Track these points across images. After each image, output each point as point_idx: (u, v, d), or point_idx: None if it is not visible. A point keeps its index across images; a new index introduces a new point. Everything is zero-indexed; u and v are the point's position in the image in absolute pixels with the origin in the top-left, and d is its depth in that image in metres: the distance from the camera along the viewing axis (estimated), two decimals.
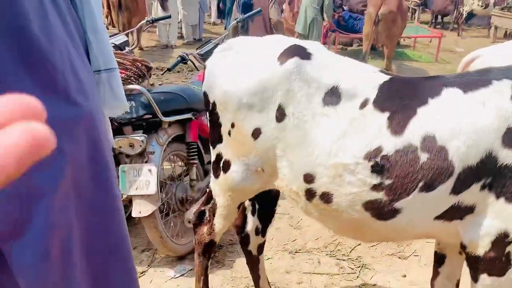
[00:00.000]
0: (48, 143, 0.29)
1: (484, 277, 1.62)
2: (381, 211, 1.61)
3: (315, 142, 1.66)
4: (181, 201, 3.00)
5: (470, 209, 1.56)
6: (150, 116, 2.75)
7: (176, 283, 2.78)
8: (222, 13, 12.88)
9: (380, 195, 1.58)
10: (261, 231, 2.33)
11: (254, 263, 2.41)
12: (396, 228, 1.65)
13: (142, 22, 3.98)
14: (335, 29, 9.71)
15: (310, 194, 1.73)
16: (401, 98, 1.63)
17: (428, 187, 1.53)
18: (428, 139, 1.53)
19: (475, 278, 1.66)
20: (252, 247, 2.36)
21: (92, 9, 1.12)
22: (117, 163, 2.80)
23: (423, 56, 10.46)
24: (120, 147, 2.61)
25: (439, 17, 15.44)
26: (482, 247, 1.58)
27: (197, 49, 3.62)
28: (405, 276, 2.88)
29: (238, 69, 1.85)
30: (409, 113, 1.58)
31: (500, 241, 1.54)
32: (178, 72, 7.86)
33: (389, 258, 3.09)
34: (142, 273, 2.85)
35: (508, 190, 1.48)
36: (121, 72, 2.65)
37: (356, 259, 3.06)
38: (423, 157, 1.52)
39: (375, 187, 1.58)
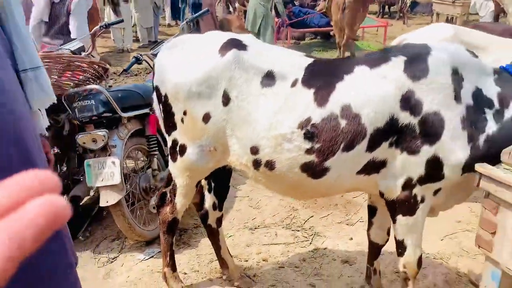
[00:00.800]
0: (65, 212, 0.32)
1: (400, 218, 1.99)
2: (314, 171, 1.94)
3: (257, 119, 1.97)
4: (145, 190, 3.25)
5: (383, 163, 1.92)
6: (110, 114, 2.97)
7: (146, 264, 3.03)
8: (177, 14, 13.04)
9: (312, 157, 1.91)
10: (218, 206, 2.61)
11: (214, 236, 2.70)
12: (327, 185, 1.99)
13: (96, 28, 4.17)
14: (287, 24, 10.07)
15: (256, 164, 2.04)
16: (323, 76, 1.96)
17: (348, 147, 1.87)
18: (345, 108, 1.86)
19: (394, 220, 2.03)
20: (211, 221, 2.64)
21: (14, 17, 1.36)
22: (83, 158, 3.02)
23: (371, 45, 10.97)
24: (84, 143, 2.83)
25: (386, 7, 16.13)
26: (395, 193, 1.94)
27: (150, 49, 3.86)
28: (351, 239, 3.24)
29: (185, 63, 2.12)
30: (330, 88, 1.92)
31: (407, 185, 1.90)
32: (136, 75, 8.01)
33: (338, 226, 3.44)
34: (113, 258, 3.09)
35: (408, 145, 1.84)
36: (79, 74, 2.89)
37: (309, 228, 3.39)
38: (343, 123, 1.86)
39: (308, 151, 1.91)
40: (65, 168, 3.39)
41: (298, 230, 3.37)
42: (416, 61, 1.84)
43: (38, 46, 4.14)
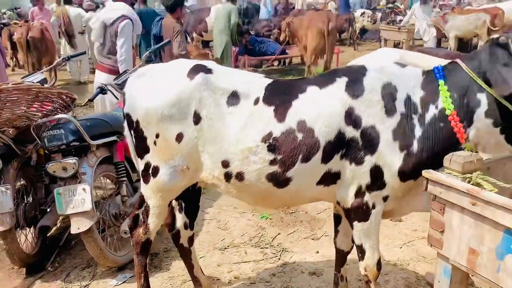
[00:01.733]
0: None
1: (356, 224, 2.19)
2: (278, 180, 2.13)
3: (226, 135, 2.16)
4: (115, 217, 3.30)
5: (337, 175, 2.13)
6: (79, 142, 3.03)
7: None
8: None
9: (276, 168, 2.11)
10: (189, 225, 2.71)
11: (187, 255, 2.79)
12: (291, 194, 2.18)
13: (58, 60, 4.24)
14: (243, 52, 10.41)
15: (228, 176, 2.21)
16: (281, 95, 2.18)
17: (306, 158, 2.08)
18: (301, 123, 2.09)
19: (351, 226, 2.24)
20: (183, 240, 2.73)
21: None
22: (49, 188, 3.05)
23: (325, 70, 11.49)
24: (54, 171, 2.87)
25: (337, 34, 16.91)
26: (349, 201, 2.16)
27: (114, 79, 3.96)
28: (317, 252, 3.41)
29: (155, 89, 2.27)
30: (287, 105, 2.14)
31: (358, 194, 2.13)
32: None
33: (304, 241, 3.60)
34: (85, 286, 3.09)
35: (356, 156, 2.08)
36: (47, 105, 2.96)
37: (277, 245, 3.53)
38: (299, 136, 2.08)
39: (272, 162, 2.11)
40: (31, 199, 3.39)
41: (267, 248, 3.51)
42: (355, 81, 2.11)
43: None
